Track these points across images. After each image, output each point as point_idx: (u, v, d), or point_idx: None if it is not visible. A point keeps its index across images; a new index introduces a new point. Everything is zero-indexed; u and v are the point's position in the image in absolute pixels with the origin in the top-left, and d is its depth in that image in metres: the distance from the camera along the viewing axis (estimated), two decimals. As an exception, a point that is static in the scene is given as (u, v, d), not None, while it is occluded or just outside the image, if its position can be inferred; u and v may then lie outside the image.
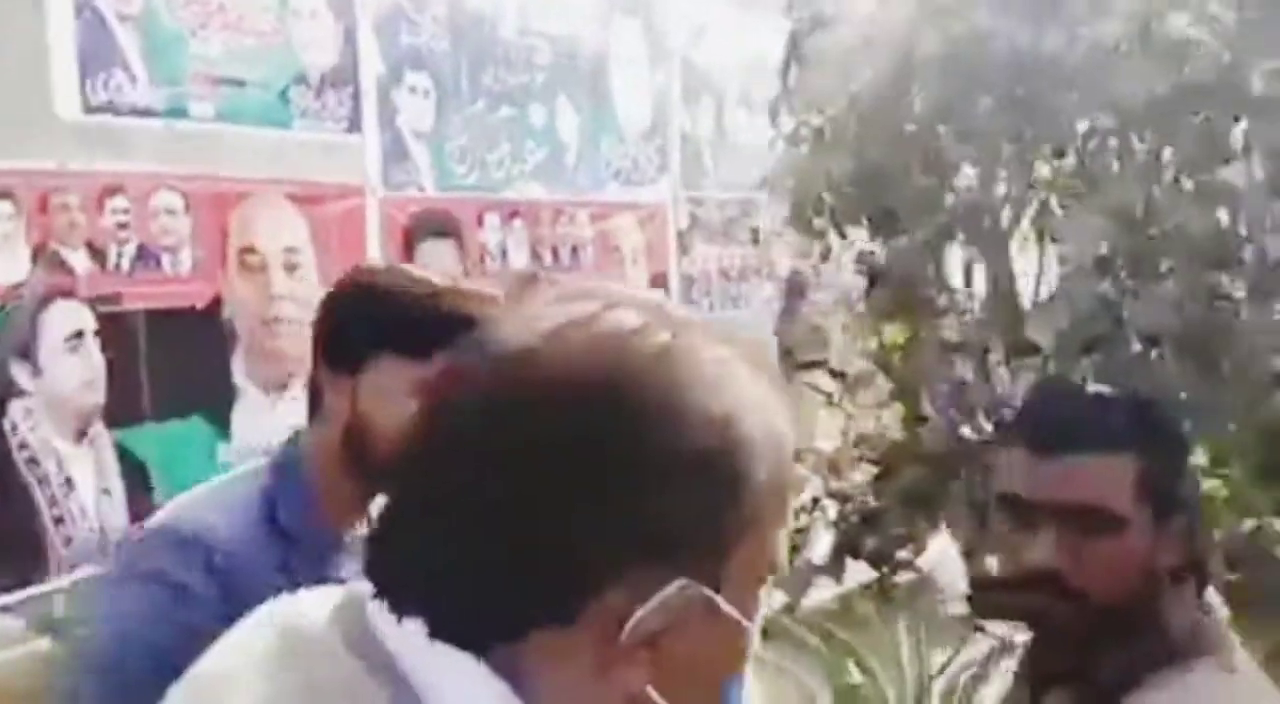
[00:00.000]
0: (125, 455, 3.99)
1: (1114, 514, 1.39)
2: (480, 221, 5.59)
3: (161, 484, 3.99)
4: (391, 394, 1.44)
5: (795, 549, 4.25)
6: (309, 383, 1.57)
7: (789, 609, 3.40)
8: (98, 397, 3.90)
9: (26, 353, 3.72)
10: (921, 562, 7.19)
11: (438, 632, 0.70)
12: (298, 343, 4.23)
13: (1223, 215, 2.30)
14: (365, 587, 0.74)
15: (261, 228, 4.50)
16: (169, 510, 1.53)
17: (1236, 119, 2.38)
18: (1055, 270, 2.39)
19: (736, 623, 0.71)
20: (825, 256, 2.79)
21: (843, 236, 2.69)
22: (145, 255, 4.08)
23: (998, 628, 3.17)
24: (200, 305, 4.27)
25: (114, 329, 3.95)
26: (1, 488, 3.65)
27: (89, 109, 3.93)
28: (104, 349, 3.91)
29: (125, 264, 4.03)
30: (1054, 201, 2.28)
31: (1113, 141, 2.21)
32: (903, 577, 7.12)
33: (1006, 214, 2.30)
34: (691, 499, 0.69)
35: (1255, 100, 2.29)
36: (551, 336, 0.71)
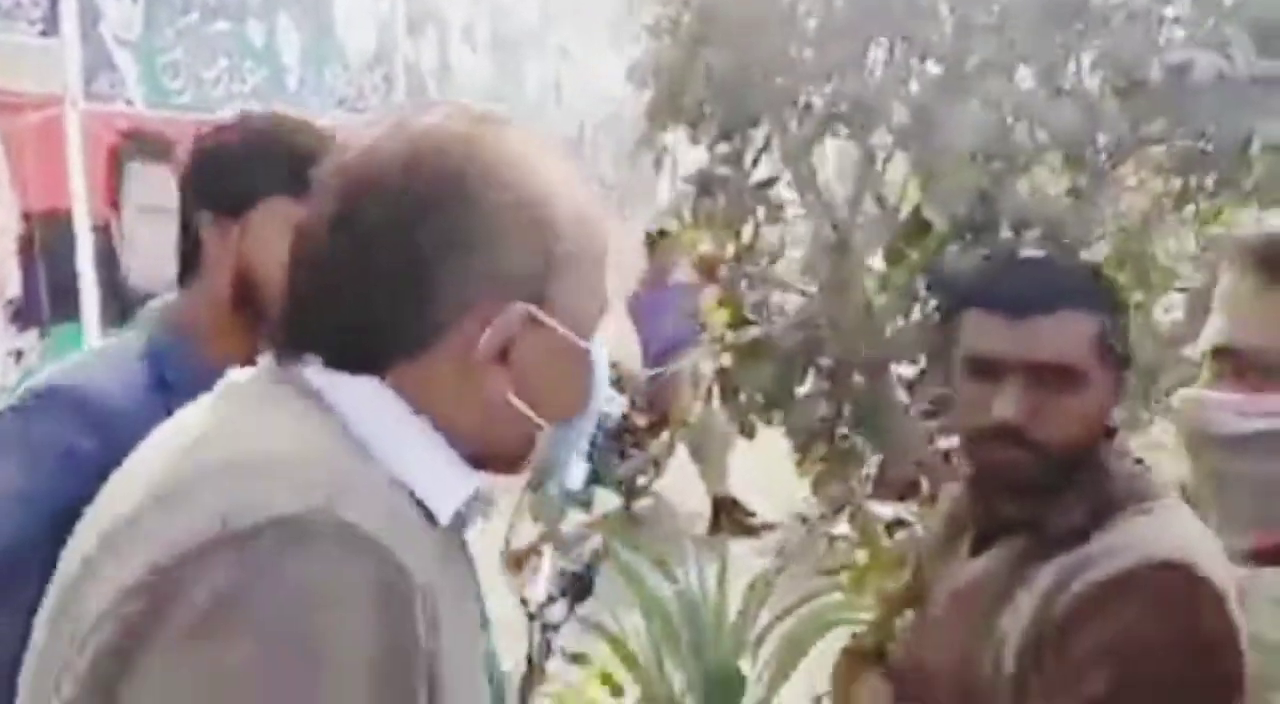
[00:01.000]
0: None
1: (1077, 370, 1.49)
2: (196, 143, 5.07)
3: None
4: (284, 233, 1.33)
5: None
6: (179, 241, 1.57)
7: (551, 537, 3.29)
8: None
9: None
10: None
11: (335, 363, 0.90)
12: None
13: (1075, 114, 2.25)
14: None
15: (-54, 135, 3.90)
16: (53, 375, 1.49)
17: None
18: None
19: (568, 339, 0.92)
20: (658, 164, 2.57)
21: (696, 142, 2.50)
22: None
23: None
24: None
25: None
26: None
27: None
28: None
29: None
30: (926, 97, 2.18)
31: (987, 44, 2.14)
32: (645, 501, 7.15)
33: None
34: (518, 245, 0.89)
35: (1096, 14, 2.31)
36: (387, 134, 0.91)
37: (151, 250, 4.58)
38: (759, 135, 2.52)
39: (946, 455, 2.95)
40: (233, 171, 1.53)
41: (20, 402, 1.46)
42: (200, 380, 1.32)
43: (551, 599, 1.77)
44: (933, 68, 2.27)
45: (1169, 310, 2.82)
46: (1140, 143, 2.31)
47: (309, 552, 0.75)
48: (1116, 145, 2.28)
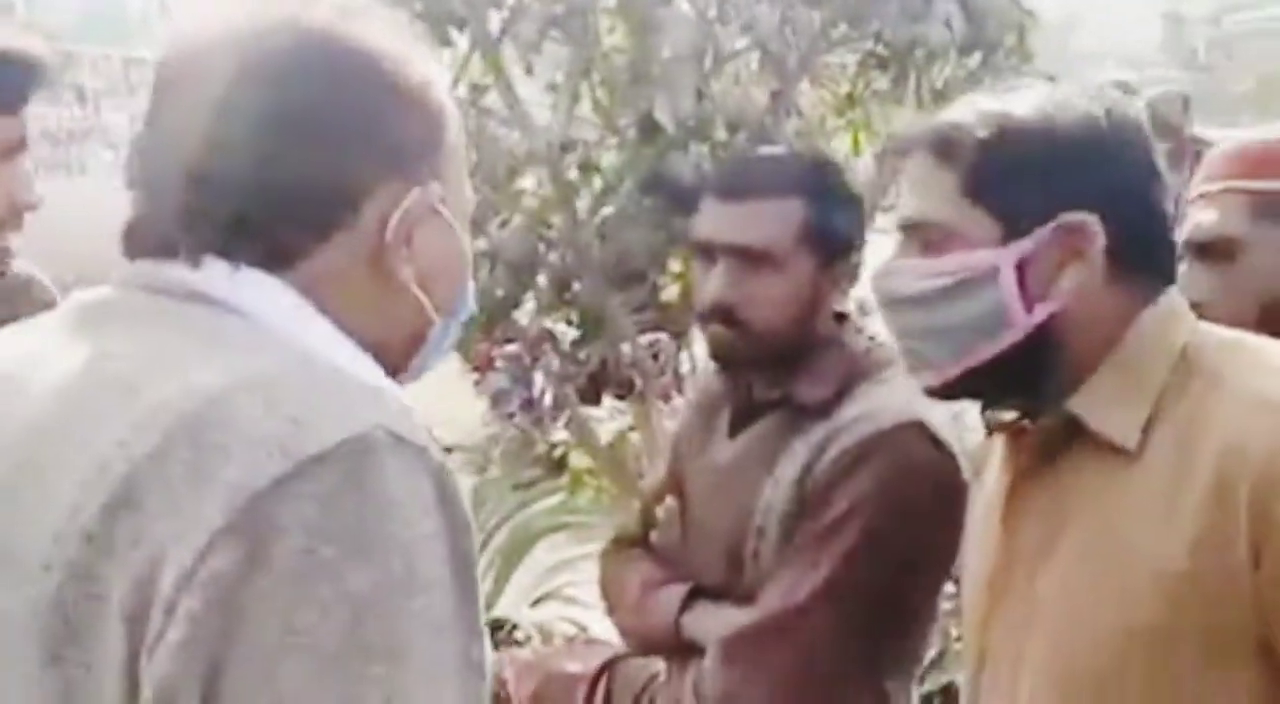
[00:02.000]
0: None
1: (774, 254, 1.60)
2: None
3: None
4: None
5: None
6: None
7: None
8: None
9: None
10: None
11: (239, 262, 0.84)
12: None
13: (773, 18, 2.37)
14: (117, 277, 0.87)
15: None
16: None
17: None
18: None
19: (456, 230, 0.92)
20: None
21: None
22: None
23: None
24: None
25: None
26: None
27: None
28: None
29: None
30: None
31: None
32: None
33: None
34: (415, 127, 0.88)
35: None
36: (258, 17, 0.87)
37: None
38: (463, 40, 2.50)
39: (655, 353, 3.06)
40: None
41: None
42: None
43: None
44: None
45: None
46: (830, 45, 2.45)
47: (380, 467, 0.76)
48: (810, 47, 2.41)
